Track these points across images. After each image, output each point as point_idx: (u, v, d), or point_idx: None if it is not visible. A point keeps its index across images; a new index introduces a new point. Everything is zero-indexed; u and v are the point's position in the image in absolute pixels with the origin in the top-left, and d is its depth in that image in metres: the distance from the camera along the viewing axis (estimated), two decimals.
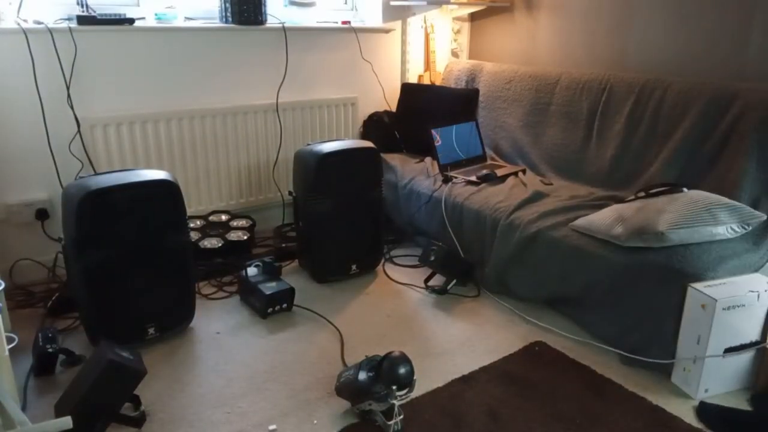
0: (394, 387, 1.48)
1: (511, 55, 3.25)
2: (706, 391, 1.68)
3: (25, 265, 2.34)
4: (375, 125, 3.11)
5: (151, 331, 1.90)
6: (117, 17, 2.32)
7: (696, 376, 1.67)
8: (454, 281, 2.33)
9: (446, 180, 2.60)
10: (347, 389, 1.60)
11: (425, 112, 3.00)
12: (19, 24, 2.13)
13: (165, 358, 1.86)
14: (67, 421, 1.21)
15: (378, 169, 2.40)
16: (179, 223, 1.90)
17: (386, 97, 3.21)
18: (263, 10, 2.61)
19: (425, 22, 3.26)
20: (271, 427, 1.55)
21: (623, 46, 2.70)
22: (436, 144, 2.70)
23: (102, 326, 1.80)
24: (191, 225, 2.54)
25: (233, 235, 2.56)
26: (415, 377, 1.53)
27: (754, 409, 1.62)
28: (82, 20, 2.23)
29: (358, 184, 2.36)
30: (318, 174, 2.25)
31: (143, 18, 2.45)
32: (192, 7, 2.63)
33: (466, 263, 2.35)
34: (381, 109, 3.20)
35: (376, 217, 2.44)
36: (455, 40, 3.45)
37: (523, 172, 2.70)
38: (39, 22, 2.18)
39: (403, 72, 3.25)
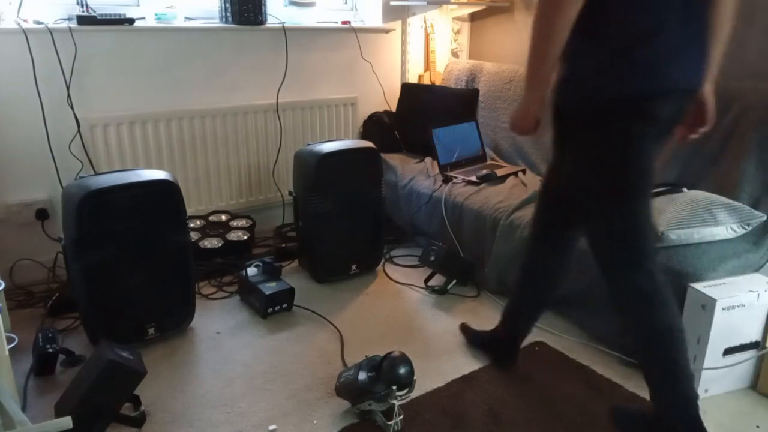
0: (394, 387, 1.48)
1: (511, 55, 3.25)
2: (706, 391, 1.68)
3: (25, 265, 2.34)
4: (375, 125, 3.11)
5: (151, 331, 1.90)
6: (117, 17, 2.32)
7: (696, 376, 1.67)
8: (454, 281, 2.33)
9: (446, 180, 2.60)
10: (347, 389, 1.60)
11: (425, 112, 3.00)
12: (19, 24, 2.13)
13: (165, 358, 1.86)
14: (67, 421, 1.21)
15: (378, 169, 2.40)
16: (179, 223, 1.90)
17: (386, 97, 3.21)
18: (263, 10, 2.61)
19: (425, 22, 3.26)
20: (271, 427, 1.55)
21: None
22: (436, 144, 2.70)
23: (102, 326, 1.80)
24: (191, 225, 2.54)
25: (233, 235, 2.56)
26: (415, 377, 1.53)
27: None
28: (82, 20, 2.23)
29: (358, 184, 2.36)
30: (318, 174, 2.25)
31: (143, 18, 2.45)
32: (192, 7, 2.63)
33: (466, 263, 2.35)
34: (381, 109, 3.19)
35: (376, 217, 2.44)
36: (455, 40, 3.45)
37: (523, 172, 2.70)
38: (39, 22, 2.18)
39: (403, 72, 3.25)
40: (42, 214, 2.33)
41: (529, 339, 1.98)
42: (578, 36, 1.25)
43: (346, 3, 3.14)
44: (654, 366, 1.42)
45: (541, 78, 1.30)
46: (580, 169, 1.41)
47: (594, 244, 1.44)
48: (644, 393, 1.70)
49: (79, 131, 2.32)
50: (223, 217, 2.69)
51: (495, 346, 1.85)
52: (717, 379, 1.68)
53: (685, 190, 1.97)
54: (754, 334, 1.69)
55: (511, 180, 2.58)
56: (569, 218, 1.57)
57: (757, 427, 1.58)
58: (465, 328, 1.99)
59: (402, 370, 1.50)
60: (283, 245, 2.69)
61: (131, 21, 2.34)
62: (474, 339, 1.94)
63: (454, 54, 3.48)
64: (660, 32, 1.23)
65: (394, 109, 3.19)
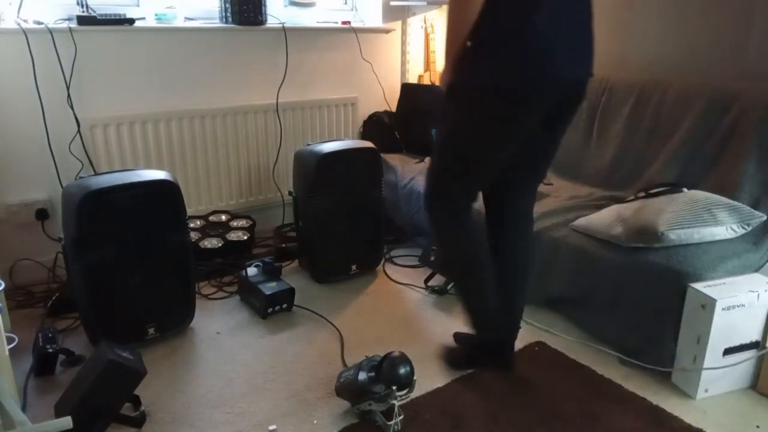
0: (394, 387, 1.48)
1: None
2: (706, 391, 1.68)
3: (25, 265, 2.34)
4: (375, 125, 3.11)
5: (151, 331, 1.90)
6: (117, 17, 2.32)
7: (696, 376, 1.67)
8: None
9: None
10: (347, 389, 1.60)
11: (425, 112, 3.00)
12: (19, 24, 2.13)
13: (165, 358, 1.86)
14: (67, 421, 1.21)
15: (378, 169, 2.40)
16: (179, 223, 1.90)
17: (386, 97, 3.21)
18: (263, 10, 2.61)
19: (425, 22, 3.26)
20: (271, 427, 1.55)
21: (623, 46, 2.70)
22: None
23: (102, 326, 1.80)
24: (191, 225, 2.54)
25: (233, 235, 2.56)
26: (415, 377, 1.53)
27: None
28: (82, 20, 2.23)
29: (358, 184, 2.36)
30: (318, 174, 2.25)
31: (143, 18, 2.45)
32: (192, 7, 2.63)
33: None
34: (381, 110, 3.19)
35: (376, 217, 2.44)
36: None
37: None
38: (39, 23, 2.18)
39: (403, 72, 3.25)
40: (42, 214, 2.33)
41: (529, 339, 1.98)
42: (477, 22, 1.38)
43: (346, 3, 3.15)
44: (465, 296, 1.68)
45: (454, 50, 1.45)
46: (444, 136, 1.60)
47: (425, 200, 1.65)
48: (644, 392, 1.70)
49: (79, 131, 2.32)
50: (223, 217, 2.69)
51: (488, 350, 1.80)
52: (717, 379, 1.68)
53: (685, 190, 1.97)
54: (754, 334, 1.69)
55: None
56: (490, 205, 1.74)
57: (757, 427, 1.58)
58: (458, 335, 1.98)
59: (402, 371, 1.50)
60: (283, 245, 2.69)
61: (131, 21, 2.34)
62: (466, 343, 1.91)
63: None
64: (549, 25, 1.36)
65: (394, 109, 3.20)
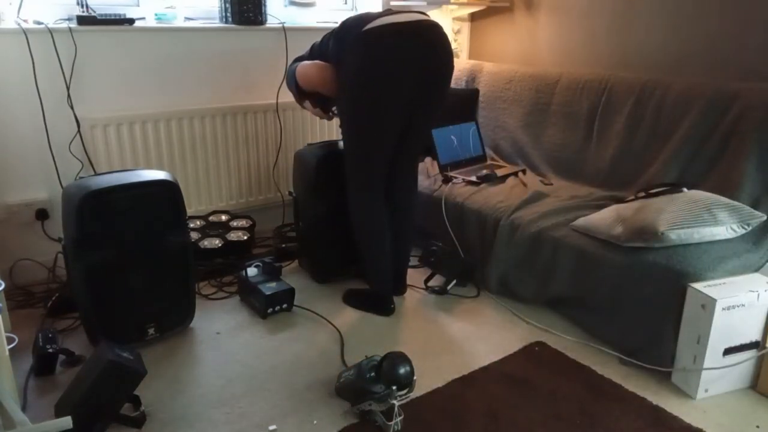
0: (394, 387, 1.48)
1: (511, 55, 3.26)
2: (706, 390, 1.68)
3: (25, 265, 2.34)
4: None
5: (151, 331, 1.90)
6: (117, 17, 2.32)
7: (696, 376, 1.67)
8: (454, 281, 2.33)
9: (446, 180, 2.60)
10: (347, 389, 1.60)
11: None
12: (19, 24, 2.13)
13: (165, 358, 1.86)
14: (67, 421, 1.21)
15: None
16: (179, 223, 1.90)
17: None
18: (263, 10, 2.62)
19: None
20: (271, 428, 1.55)
21: (623, 46, 2.70)
22: (436, 144, 2.69)
23: (102, 326, 1.80)
24: (191, 225, 2.54)
25: (233, 235, 2.56)
26: (415, 377, 1.53)
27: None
28: (82, 20, 2.23)
29: None
30: (318, 174, 2.25)
31: (143, 18, 2.45)
32: (192, 7, 2.63)
33: (466, 263, 2.35)
34: None
35: None
36: (455, 40, 3.45)
37: (523, 172, 2.70)
38: (39, 23, 2.18)
39: None
40: (42, 214, 2.33)
41: (529, 339, 1.99)
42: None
43: (346, 3, 3.14)
44: (365, 257, 2.13)
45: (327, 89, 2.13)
46: (343, 135, 2.06)
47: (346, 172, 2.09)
48: (644, 392, 1.70)
49: (79, 131, 2.32)
50: (223, 217, 2.69)
51: (376, 299, 2.17)
52: (717, 379, 1.68)
53: (685, 190, 1.97)
54: (754, 334, 1.69)
55: (511, 180, 2.58)
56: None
57: (757, 427, 1.58)
58: (353, 289, 2.27)
59: (402, 370, 1.50)
60: (283, 245, 2.69)
61: (131, 21, 2.34)
62: (362, 292, 2.22)
63: (454, 54, 3.48)
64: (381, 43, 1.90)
65: None
